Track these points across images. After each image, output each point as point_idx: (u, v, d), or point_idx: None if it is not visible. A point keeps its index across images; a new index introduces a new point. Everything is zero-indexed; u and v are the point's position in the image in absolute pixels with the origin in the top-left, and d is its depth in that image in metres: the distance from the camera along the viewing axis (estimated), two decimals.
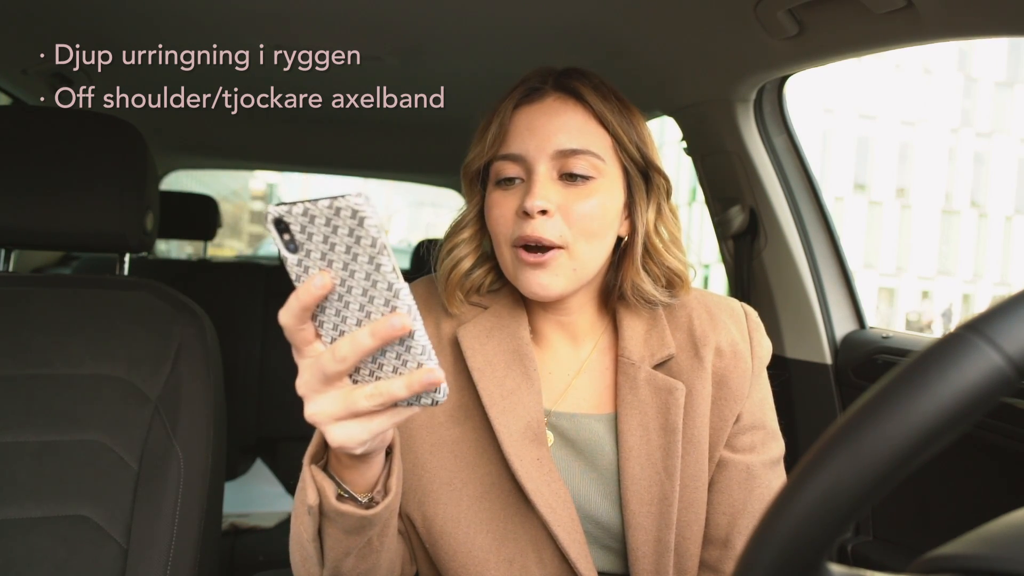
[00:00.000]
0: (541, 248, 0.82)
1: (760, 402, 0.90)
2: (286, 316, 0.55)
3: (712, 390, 0.87)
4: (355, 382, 0.58)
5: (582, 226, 0.82)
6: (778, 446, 0.90)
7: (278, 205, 0.54)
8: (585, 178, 0.83)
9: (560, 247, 0.82)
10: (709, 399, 0.87)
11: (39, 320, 1.15)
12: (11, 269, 1.29)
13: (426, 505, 0.85)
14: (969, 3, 0.96)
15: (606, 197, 0.85)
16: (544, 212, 0.81)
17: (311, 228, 0.53)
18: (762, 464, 0.87)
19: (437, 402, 0.57)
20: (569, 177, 0.83)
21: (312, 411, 0.57)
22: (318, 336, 0.57)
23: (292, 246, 0.54)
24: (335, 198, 0.52)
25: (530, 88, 0.87)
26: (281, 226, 0.54)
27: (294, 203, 0.53)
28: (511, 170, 0.85)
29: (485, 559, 0.83)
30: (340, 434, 0.57)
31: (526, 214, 0.81)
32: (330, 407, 0.56)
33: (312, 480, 0.67)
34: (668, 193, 0.91)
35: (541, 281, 0.82)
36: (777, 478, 0.88)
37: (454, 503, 0.85)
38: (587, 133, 0.84)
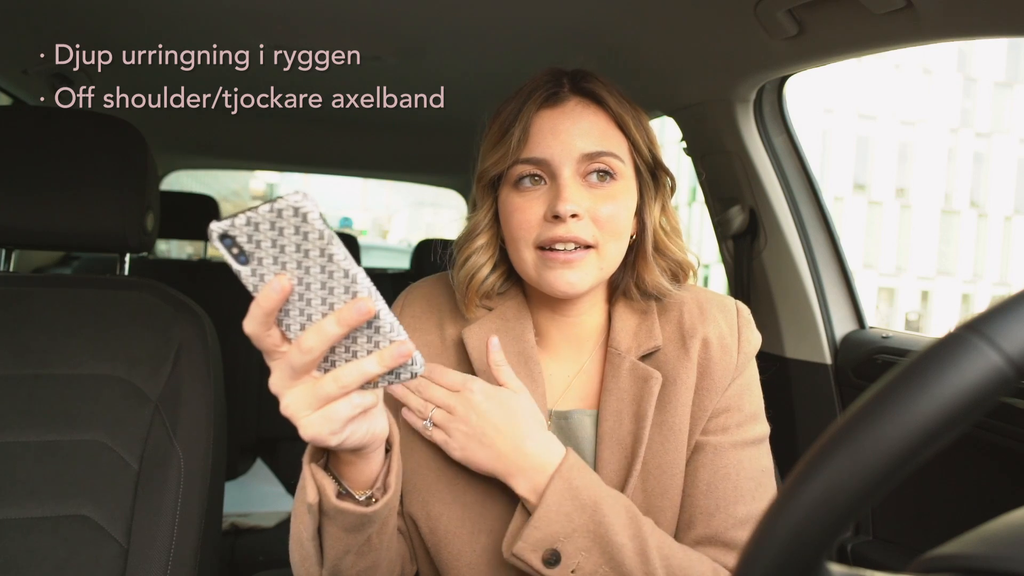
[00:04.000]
0: (571, 247, 0.83)
1: (739, 387, 0.89)
2: (250, 325, 0.55)
3: (696, 380, 0.88)
4: None
5: (610, 227, 0.84)
6: (756, 428, 0.89)
7: (220, 221, 0.53)
8: (612, 178, 0.85)
9: (592, 246, 0.84)
10: (692, 389, 0.87)
11: (39, 320, 1.15)
12: (11, 269, 1.29)
13: (431, 505, 0.85)
14: (969, 3, 0.96)
15: (627, 198, 0.87)
16: (575, 216, 0.82)
17: (257, 236, 0.53)
18: (731, 444, 0.86)
19: (416, 374, 0.58)
20: (596, 176, 0.84)
21: (285, 404, 0.58)
22: (286, 339, 0.57)
23: (243, 258, 0.54)
24: (274, 201, 0.52)
25: (549, 92, 0.87)
26: (227, 240, 0.54)
27: (235, 215, 0.53)
28: (533, 172, 0.85)
29: (488, 559, 0.83)
30: (309, 427, 0.57)
31: (556, 218, 0.82)
32: (301, 397, 0.57)
33: (312, 478, 0.67)
34: (672, 190, 0.93)
35: (569, 279, 0.83)
36: (750, 459, 0.87)
37: (459, 503, 0.85)
38: (609, 136, 0.86)
